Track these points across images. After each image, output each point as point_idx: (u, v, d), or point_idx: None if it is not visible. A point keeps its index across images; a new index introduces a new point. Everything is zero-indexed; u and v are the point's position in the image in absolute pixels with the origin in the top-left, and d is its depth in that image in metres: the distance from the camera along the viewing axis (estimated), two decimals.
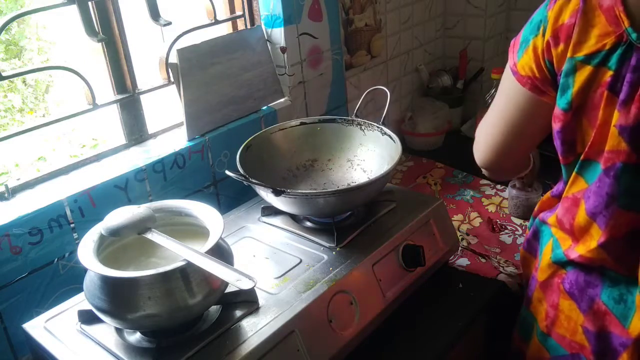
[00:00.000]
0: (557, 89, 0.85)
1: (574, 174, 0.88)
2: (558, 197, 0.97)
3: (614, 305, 0.88)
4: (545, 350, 0.99)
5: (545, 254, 0.98)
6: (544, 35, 0.84)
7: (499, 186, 1.56)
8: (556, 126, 0.87)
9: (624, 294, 0.88)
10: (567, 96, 0.83)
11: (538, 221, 1.03)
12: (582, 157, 0.85)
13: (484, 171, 1.08)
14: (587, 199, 0.86)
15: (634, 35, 0.76)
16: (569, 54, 0.81)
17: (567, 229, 0.93)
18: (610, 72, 0.78)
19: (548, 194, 1.02)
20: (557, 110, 0.86)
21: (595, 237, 0.87)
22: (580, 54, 0.80)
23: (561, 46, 0.82)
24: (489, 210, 1.45)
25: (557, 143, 0.89)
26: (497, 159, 1.02)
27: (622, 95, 0.77)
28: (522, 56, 0.88)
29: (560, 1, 0.83)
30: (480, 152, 1.04)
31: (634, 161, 0.79)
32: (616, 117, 0.78)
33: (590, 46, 0.79)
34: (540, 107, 0.89)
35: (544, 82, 0.86)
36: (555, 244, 0.96)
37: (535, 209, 1.05)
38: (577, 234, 0.90)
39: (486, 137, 1.01)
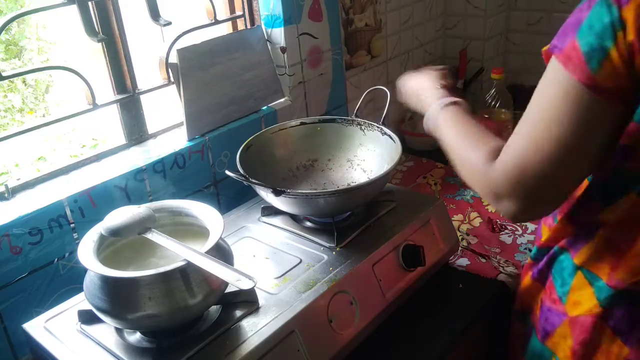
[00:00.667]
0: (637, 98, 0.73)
1: (631, 194, 0.79)
2: (580, 223, 0.88)
3: None
4: None
5: (577, 287, 0.90)
6: (625, 37, 0.70)
7: None
8: (623, 140, 0.76)
9: None
10: None
11: (558, 249, 0.92)
12: None
13: (515, 214, 0.81)
14: None
15: None
16: None
17: (620, 252, 0.83)
18: None
19: (560, 220, 0.90)
20: (633, 125, 0.75)
21: None
22: None
23: None
24: (489, 210, 1.45)
25: (615, 158, 0.78)
26: (551, 188, 0.79)
27: None
28: (600, 67, 0.72)
29: None
30: (522, 187, 0.79)
31: None
32: None
33: None
34: (615, 121, 0.75)
35: (631, 90, 0.73)
36: (591, 276, 0.87)
37: (546, 238, 0.94)
38: (631, 258, 0.82)
39: (535, 164, 0.78)
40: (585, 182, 0.86)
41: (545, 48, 0.79)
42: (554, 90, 0.77)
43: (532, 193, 0.79)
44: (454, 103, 0.99)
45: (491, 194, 0.82)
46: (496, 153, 0.82)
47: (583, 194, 0.86)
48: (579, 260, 0.88)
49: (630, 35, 0.69)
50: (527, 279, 1.01)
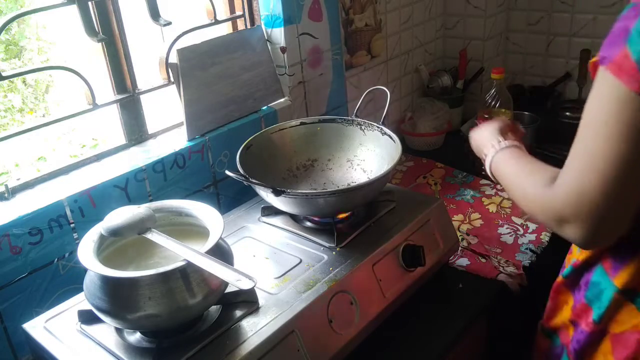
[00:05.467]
0: None
1: None
2: (624, 240, 0.82)
3: None
4: None
5: (618, 305, 0.87)
6: None
7: (499, 186, 1.56)
8: None
9: None
10: None
11: (594, 270, 0.89)
12: None
13: (585, 239, 0.77)
14: None
15: None
16: None
17: None
18: None
19: None
20: None
21: None
22: None
23: None
24: (490, 210, 1.45)
25: None
26: (616, 208, 0.75)
27: None
28: None
29: None
30: (587, 210, 0.75)
31: None
32: None
33: None
34: None
35: None
36: (633, 293, 0.85)
37: (585, 257, 0.91)
38: None
39: (595, 184, 0.74)
40: None
41: (593, 60, 0.75)
42: (606, 104, 0.73)
43: (595, 215, 0.74)
44: (514, 146, 0.98)
45: (555, 219, 0.78)
46: (555, 178, 0.79)
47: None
48: (619, 281, 0.85)
49: None
50: (560, 299, 0.98)
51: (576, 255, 0.94)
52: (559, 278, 0.99)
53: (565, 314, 0.98)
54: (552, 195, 0.78)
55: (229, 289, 0.91)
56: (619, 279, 0.85)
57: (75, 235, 1.07)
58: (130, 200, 1.15)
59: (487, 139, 1.03)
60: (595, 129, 0.74)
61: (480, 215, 1.44)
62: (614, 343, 0.89)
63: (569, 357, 0.96)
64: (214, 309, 0.93)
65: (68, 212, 1.05)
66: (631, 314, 0.86)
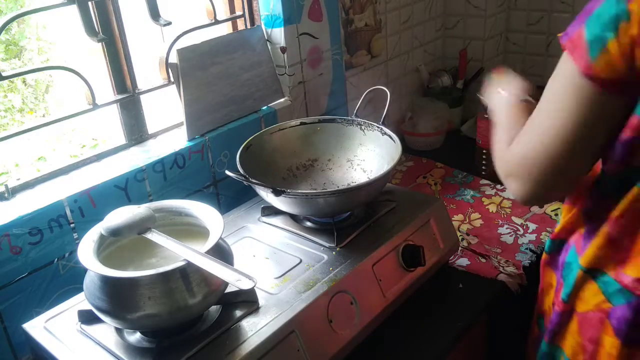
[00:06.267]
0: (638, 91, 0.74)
1: (634, 188, 0.79)
2: (592, 218, 0.88)
3: None
4: None
5: (580, 283, 0.89)
6: (628, 29, 0.70)
7: (499, 186, 1.56)
8: (628, 134, 0.76)
9: None
10: None
11: (569, 246, 0.93)
12: None
13: (521, 196, 0.87)
14: None
15: None
16: None
17: (624, 248, 0.83)
18: None
19: (573, 210, 0.92)
20: (635, 118, 0.75)
21: None
22: None
23: None
24: (490, 210, 1.45)
25: (619, 152, 0.79)
26: (553, 175, 0.82)
27: None
28: (598, 56, 0.73)
29: None
30: (525, 184, 0.84)
31: None
32: None
33: None
34: (615, 112, 0.77)
35: (629, 83, 0.74)
36: (596, 272, 0.87)
37: (559, 229, 0.95)
38: (636, 253, 0.82)
39: (535, 164, 0.82)
40: (597, 176, 0.86)
41: (559, 34, 0.80)
42: (559, 79, 0.79)
43: (533, 178, 0.83)
44: (524, 100, 1.02)
45: (503, 173, 0.89)
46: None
47: (598, 189, 0.86)
48: (585, 260, 0.88)
49: (634, 28, 0.69)
50: (546, 281, 1.00)
51: (555, 229, 0.97)
52: (544, 255, 1.01)
53: (550, 299, 0.99)
54: (507, 153, 0.88)
55: (229, 289, 0.91)
56: (584, 257, 0.88)
57: (75, 235, 1.07)
58: (130, 200, 1.15)
59: (509, 86, 1.09)
60: (547, 100, 0.81)
61: (480, 215, 1.44)
62: (580, 322, 0.90)
63: (545, 339, 0.97)
64: (214, 309, 0.93)
65: (68, 212, 1.05)
66: (593, 292, 0.88)
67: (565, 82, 0.78)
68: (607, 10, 0.72)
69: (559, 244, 0.96)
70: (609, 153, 0.81)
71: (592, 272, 0.87)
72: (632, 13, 0.70)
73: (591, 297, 0.88)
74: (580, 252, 0.89)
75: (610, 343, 0.86)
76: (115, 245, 0.94)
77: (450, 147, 1.82)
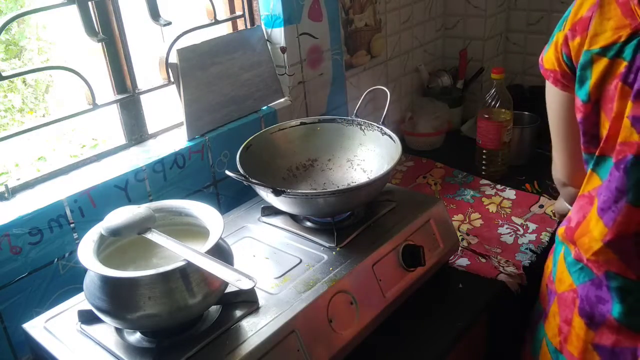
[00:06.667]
0: (576, 81, 0.86)
1: (589, 171, 0.87)
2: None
3: (627, 319, 0.85)
4: None
5: (560, 264, 0.96)
6: (564, 29, 0.87)
7: (499, 186, 1.56)
8: (578, 117, 0.87)
9: (633, 305, 0.84)
10: (585, 88, 0.84)
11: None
12: (597, 152, 0.84)
13: (554, 176, 1.06)
14: (599, 195, 0.84)
15: None
16: (585, 47, 0.83)
17: (572, 227, 0.91)
18: (625, 63, 0.78)
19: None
20: (578, 101, 0.86)
21: (601, 236, 0.84)
22: (597, 47, 0.81)
23: (578, 39, 0.84)
24: (490, 210, 1.45)
25: (581, 138, 0.89)
26: (568, 167, 0.99)
27: (636, 86, 0.77)
28: (547, 50, 0.91)
29: None
30: (556, 168, 1.03)
31: None
32: (629, 108, 0.78)
33: (606, 38, 0.80)
34: (568, 101, 0.90)
35: (564, 75, 0.88)
36: (567, 252, 0.94)
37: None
38: (582, 232, 0.88)
39: (554, 151, 1.01)
40: None
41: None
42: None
43: (556, 159, 1.01)
44: None
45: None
46: None
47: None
48: (559, 233, 0.97)
49: (567, 28, 0.86)
50: (546, 264, 1.06)
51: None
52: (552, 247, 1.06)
53: (543, 282, 1.04)
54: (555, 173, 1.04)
55: (229, 289, 0.91)
56: (559, 231, 0.97)
57: (75, 235, 1.07)
58: (130, 200, 1.15)
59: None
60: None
61: (480, 215, 1.44)
62: (558, 303, 0.95)
63: (542, 319, 1.03)
64: (214, 309, 0.93)
65: (68, 212, 1.05)
66: (567, 273, 0.93)
67: (548, 87, 0.94)
68: (566, 13, 0.89)
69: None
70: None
71: (565, 251, 0.94)
72: (569, 14, 0.87)
73: (565, 277, 0.92)
74: (560, 228, 0.98)
75: (578, 324, 0.90)
76: (115, 245, 0.94)
77: (450, 147, 1.82)
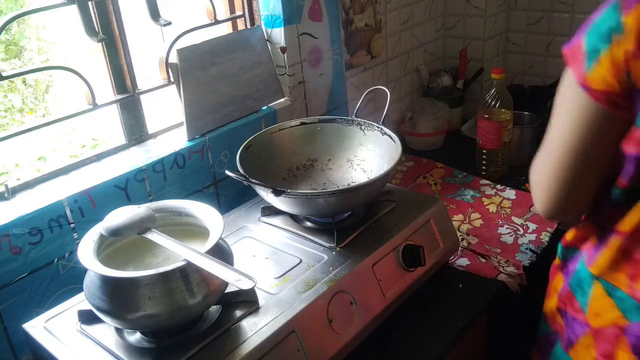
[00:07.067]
0: (636, 105, 0.73)
1: (638, 204, 0.79)
2: (600, 224, 0.87)
3: None
4: None
5: (598, 299, 0.88)
6: (621, 43, 0.70)
7: (499, 186, 1.56)
8: (633, 149, 0.75)
9: None
10: None
11: (583, 259, 0.91)
12: None
13: (540, 210, 0.88)
14: None
15: None
16: None
17: (636, 261, 0.82)
18: None
19: (584, 219, 0.91)
20: (638, 132, 0.74)
21: None
22: None
23: None
24: (490, 210, 1.45)
25: (629, 168, 0.78)
26: (565, 201, 0.84)
27: None
28: (593, 68, 0.73)
29: None
30: (543, 197, 0.85)
31: None
32: None
33: None
34: (616, 125, 0.76)
35: (624, 96, 0.73)
36: (609, 287, 0.85)
37: (571, 236, 0.94)
38: None
39: (549, 177, 0.83)
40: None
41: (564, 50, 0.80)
42: (563, 91, 0.79)
43: (550, 189, 0.83)
44: None
45: (530, 188, 0.90)
46: None
47: (610, 198, 0.84)
48: (595, 270, 0.87)
49: (628, 43, 0.69)
50: (552, 285, 0.99)
51: (567, 236, 0.96)
52: (556, 259, 1.00)
53: (552, 302, 0.98)
54: (534, 199, 0.89)
55: (229, 289, 0.91)
56: (595, 267, 0.87)
57: (75, 235, 1.07)
58: (130, 200, 1.15)
59: None
60: (555, 117, 0.81)
61: (480, 215, 1.44)
62: (594, 337, 0.89)
63: (562, 345, 0.96)
64: (214, 309, 0.93)
65: (68, 212, 1.05)
66: (609, 307, 0.86)
67: (568, 94, 0.78)
68: (604, 21, 0.72)
69: (571, 251, 0.94)
70: (618, 168, 0.80)
71: (606, 284, 0.86)
72: (625, 26, 0.69)
73: (606, 312, 0.86)
74: (590, 261, 0.88)
75: (625, 359, 0.85)
76: (115, 245, 0.94)
77: (450, 147, 1.82)
